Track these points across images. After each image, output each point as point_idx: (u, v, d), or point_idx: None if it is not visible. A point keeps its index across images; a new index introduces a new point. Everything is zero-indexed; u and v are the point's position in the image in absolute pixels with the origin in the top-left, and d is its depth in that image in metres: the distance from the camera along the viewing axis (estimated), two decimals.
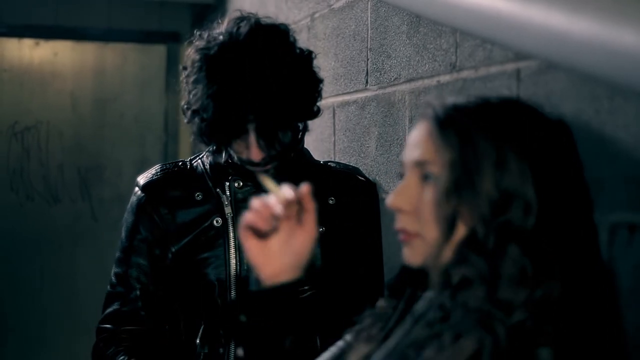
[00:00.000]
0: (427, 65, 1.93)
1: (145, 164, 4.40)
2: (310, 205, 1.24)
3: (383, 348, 1.20)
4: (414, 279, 1.25)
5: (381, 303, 1.30)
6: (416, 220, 1.14)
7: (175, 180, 1.95)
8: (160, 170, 1.98)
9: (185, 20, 4.92)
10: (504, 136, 1.09)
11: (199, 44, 1.77)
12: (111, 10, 4.74)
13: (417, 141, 1.17)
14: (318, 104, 1.85)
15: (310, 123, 2.61)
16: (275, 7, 3.16)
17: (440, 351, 1.04)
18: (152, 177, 1.96)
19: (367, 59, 2.28)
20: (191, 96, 1.76)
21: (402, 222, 1.16)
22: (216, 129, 1.73)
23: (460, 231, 1.10)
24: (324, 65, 2.61)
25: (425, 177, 1.14)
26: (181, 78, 1.83)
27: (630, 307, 1.22)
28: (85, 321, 4.35)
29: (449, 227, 1.09)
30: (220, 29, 1.77)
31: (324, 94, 2.58)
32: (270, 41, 1.75)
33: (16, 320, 4.56)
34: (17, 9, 4.55)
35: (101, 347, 1.94)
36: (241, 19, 1.78)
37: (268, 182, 1.29)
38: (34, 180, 4.65)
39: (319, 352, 1.91)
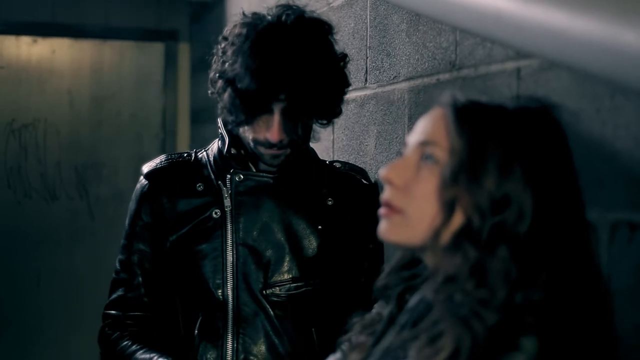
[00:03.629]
0: (426, 64, 1.93)
1: (143, 161, 4.38)
2: None
3: (376, 352, 1.20)
4: (403, 278, 1.25)
5: (376, 309, 1.29)
6: (404, 197, 1.13)
7: (179, 170, 1.98)
8: (165, 160, 2.01)
9: (184, 19, 4.92)
10: (512, 147, 1.08)
11: (246, 20, 1.81)
12: (109, 8, 4.74)
13: (427, 124, 1.16)
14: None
15: None
16: None
17: (419, 352, 1.04)
18: (157, 165, 2.00)
19: (367, 57, 2.28)
20: (227, 66, 1.78)
21: (389, 195, 1.15)
22: (247, 100, 1.75)
23: (457, 218, 1.09)
24: None
25: (425, 158, 1.14)
26: (217, 48, 1.85)
27: (630, 306, 1.22)
28: (82, 318, 4.37)
29: (448, 212, 1.09)
30: (267, 12, 1.82)
31: None
32: (315, 32, 1.81)
33: (14, 317, 4.56)
34: (15, 6, 4.54)
35: (106, 331, 1.98)
36: (288, 6, 1.83)
37: None
38: (32, 177, 4.65)
39: (316, 347, 1.92)
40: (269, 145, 1.81)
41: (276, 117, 1.77)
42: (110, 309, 1.99)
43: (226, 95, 1.78)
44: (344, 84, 1.86)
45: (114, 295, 1.99)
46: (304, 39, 1.78)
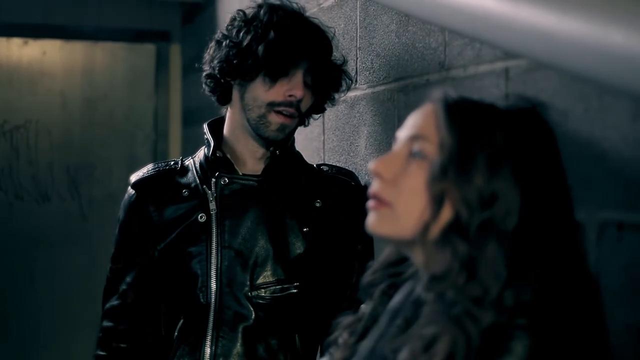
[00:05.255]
0: (416, 64, 1.93)
1: (135, 162, 4.40)
2: None
3: (360, 351, 1.20)
4: (388, 275, 1.25)
5: (363, 309, 1.30)
6: (392, 190, 1.13)
7: (165, 178, 2.00)
8: (152, 169, 2.03)
9: (175, 20, 4.92)
10: (502, 144, 1.09)
11: (262, 4, 1.93)
12: (101, 9, 4.73)
13: (417, 118, 1.17)
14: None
15: None
16: None
17: (414, 357, 1.04)
18: (143, 175, 2.02)
19: (357, 58, 2.28)
20: (245, 34, 1.87)
21: (377, 188, 1.15)
22: (274, 53, 1.84)
23: (446, 213, 1.10)
24: None
25: (414, 152, 1.14)
26: (229, 28, 1.93)
27: (619, 306, 1.23)
28: (76, 319, 4.37)
29: (436, 206, 1.09)
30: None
31: None
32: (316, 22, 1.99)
33: (7, 319, 4.55)
34: (5, 7, 4.54)
35: (97, 353, 2.03)
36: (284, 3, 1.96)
37: None
38: (23, 179, 4.64)
39: (299, 352, 1.92)
40: (288, 104, 1.86)
41: (299, 75, 1.86)
42: (105, 318, 2.03)
43: (253, 54, 1.85)
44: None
45: (107, 305, 2.03)
46: (315, 23, 1.95)
